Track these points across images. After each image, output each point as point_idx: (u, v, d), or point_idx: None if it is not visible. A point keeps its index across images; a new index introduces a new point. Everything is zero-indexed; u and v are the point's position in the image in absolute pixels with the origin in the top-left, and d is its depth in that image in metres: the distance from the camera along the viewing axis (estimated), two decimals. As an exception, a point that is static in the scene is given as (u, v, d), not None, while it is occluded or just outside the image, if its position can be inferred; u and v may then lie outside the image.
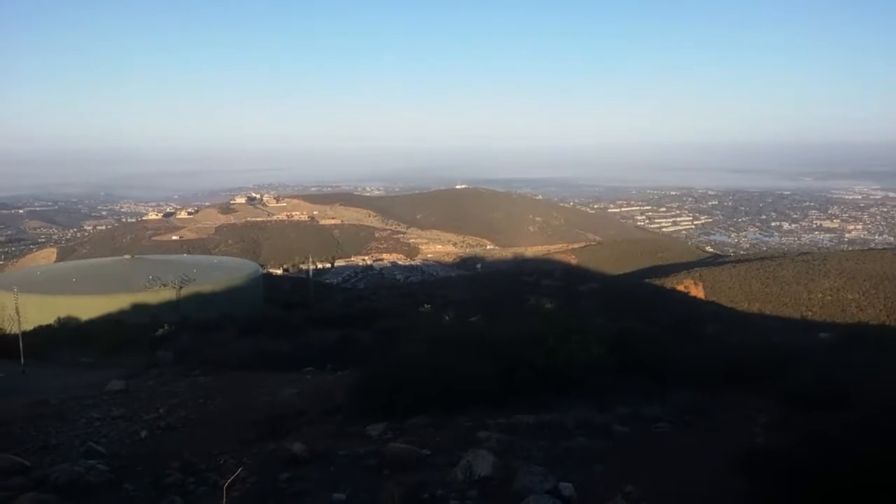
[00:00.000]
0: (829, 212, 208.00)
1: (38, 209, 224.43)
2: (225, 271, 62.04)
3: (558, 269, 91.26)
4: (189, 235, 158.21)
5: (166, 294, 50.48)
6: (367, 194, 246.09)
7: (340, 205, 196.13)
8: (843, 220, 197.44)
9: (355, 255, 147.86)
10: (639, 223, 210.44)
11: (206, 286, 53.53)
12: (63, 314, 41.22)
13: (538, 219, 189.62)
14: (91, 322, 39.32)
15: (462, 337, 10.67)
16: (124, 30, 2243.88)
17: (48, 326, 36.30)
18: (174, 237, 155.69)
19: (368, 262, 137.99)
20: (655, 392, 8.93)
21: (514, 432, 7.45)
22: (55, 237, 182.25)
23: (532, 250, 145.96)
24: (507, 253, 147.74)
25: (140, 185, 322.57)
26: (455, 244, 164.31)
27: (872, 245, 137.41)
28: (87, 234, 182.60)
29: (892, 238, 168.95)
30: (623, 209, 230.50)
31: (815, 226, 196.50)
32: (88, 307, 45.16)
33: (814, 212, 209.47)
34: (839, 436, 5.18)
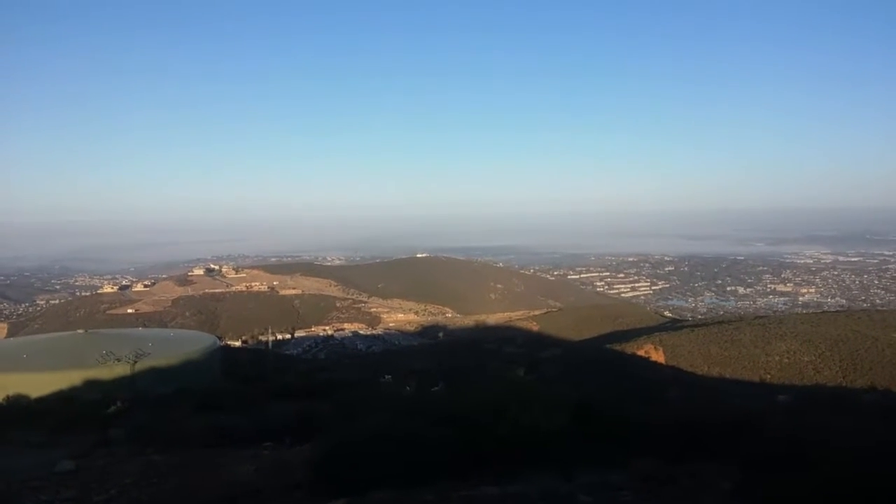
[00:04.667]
0: (783, 276, 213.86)
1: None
2: (181, 345, 60.53)
3: (520, 335, 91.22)
4: (145, 308, 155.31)
5: (120, 369, 48.93)
6: (328, 264, 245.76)
7: (301, 275, 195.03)
8: (796, 284, 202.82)
9: (316, 325, 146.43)
10: (598, 289, 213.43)
11: (161, 360, 52.10)
12: (12, 392, 39.71)
13: (499, 286, 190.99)
14: (41, 400, 37.95)
15: (424, 407, 10.55)
16: (74, 103, 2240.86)
17: (-4, 405, 34.93)
18: (130, 310, 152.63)
19: (329, 333, 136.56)
20: (619, 459, 8.89)
21: (478, 505, 7.32)
22: (6, 312, 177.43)
23: (494, 318, 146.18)
24: (469, 321, 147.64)
25: (95, 258, 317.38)
26: (417, 313, 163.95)
27: (826, 308, 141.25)
28: (39, 308, 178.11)
29: (844, 301, 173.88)
30: (582, 276, 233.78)
31: (769, 290, 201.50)
32: (39, 384, 43.46)
33: (767, 276, 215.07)
34: (801, 499, 5.21)
